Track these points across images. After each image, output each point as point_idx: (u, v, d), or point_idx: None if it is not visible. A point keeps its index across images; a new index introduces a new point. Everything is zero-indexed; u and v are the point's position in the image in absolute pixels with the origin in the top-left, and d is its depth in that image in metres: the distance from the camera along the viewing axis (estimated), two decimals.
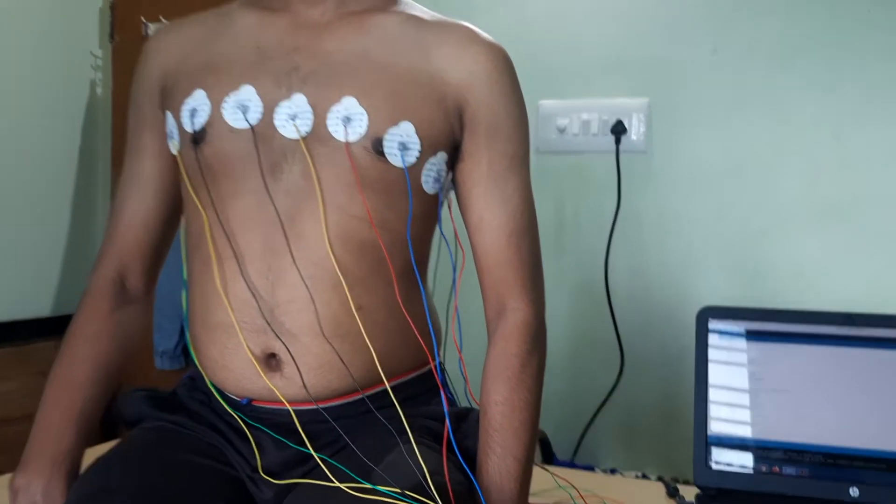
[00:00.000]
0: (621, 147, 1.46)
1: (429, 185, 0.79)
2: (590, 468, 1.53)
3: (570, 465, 1.53)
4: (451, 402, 0.85)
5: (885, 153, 1.34)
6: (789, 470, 0.92)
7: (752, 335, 0.97)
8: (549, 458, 1.57)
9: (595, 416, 1.55)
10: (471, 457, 0.76)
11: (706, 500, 0.92)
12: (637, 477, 1.51)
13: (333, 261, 0.73)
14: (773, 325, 0.97)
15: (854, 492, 0.89)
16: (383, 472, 0.67)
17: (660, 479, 1.12)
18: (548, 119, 1.52)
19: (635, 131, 1.46)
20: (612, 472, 1.53)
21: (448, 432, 0.72)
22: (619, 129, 1.45)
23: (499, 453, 0.74)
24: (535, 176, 1.56)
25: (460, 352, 0.85)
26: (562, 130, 1.52)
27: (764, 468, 0.93)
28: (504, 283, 0.80)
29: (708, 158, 1.44)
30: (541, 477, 0.95)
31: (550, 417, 1.61)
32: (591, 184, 1.52)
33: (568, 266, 1.57)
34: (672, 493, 0.97)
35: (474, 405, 0.81)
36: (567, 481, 0.94)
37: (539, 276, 0.82)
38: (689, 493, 0.96)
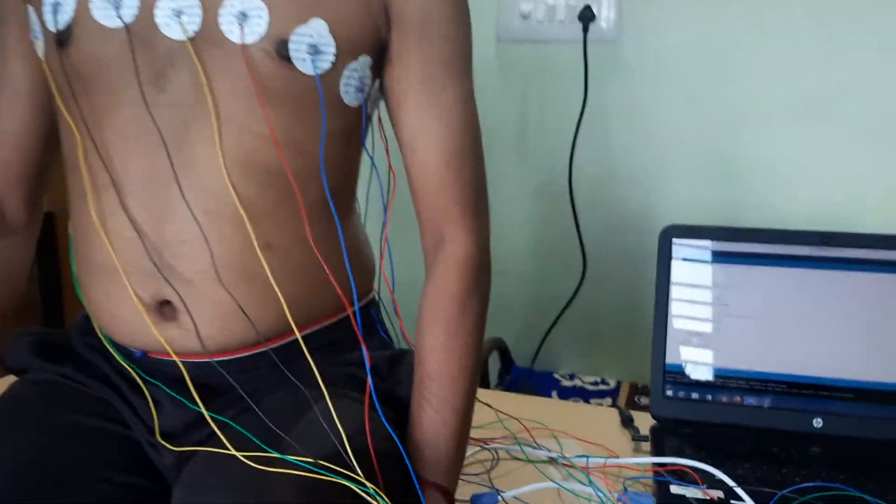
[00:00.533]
0: (589, 35, 1.32)
1: (350, 97, 0.66)
2: (549, 374, 1.50)
3: (529, 371, 1.50)
4: (386, 343, 0.76)
5: (876, 42, 1.22)
6: (751, 400, 0.86)
7: (719, 256, 0.89)
8: (508, 366, 1.54)
9: (556, 322, 1.50)
10: (405, 406, 0.68)
11: (661, 434, 0.86)
12: (595, 383, 1.49)
13: (232, 191, 0.61)
14: (742, 246, 0.88)
15: (818, 423, 0.84)
16: (297, 434, 0.58)
17: (614, 405, 1.07)
18: (510, 4, 1.36)
19: (604, 18, 1.31)
20: (571, 377, 1.50)
21: (370, 387, 0.63)
22: (587, 16, 1.30)
23: (434, 405, 0.66)
24: (497, 67, 1.42)
25: (392, 290, 0.75)
26: (525, 17, 1.36)
27: (724, 399, 0.87)
28: (442, 211, 0.69)
29: (681, 48, 1.31)
30: (485, 412, 0.89)
31: (510, 324, 1.58)
32: (557, 76, 1.39)
33: (531, 167, 1.47)
34: (626, 422, 0.91)
35: (412, 347, 0.73)
36: (511, 416, 0.88)
37: (483, 202, 0.72)
38: (644, 421, 0.91)
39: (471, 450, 0.83)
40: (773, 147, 1.30)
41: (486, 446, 0.84)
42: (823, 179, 1.28)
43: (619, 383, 1.46)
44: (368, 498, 0.55)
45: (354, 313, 0.66)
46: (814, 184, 1.28)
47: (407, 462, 0.60)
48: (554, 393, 1.45)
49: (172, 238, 0.62)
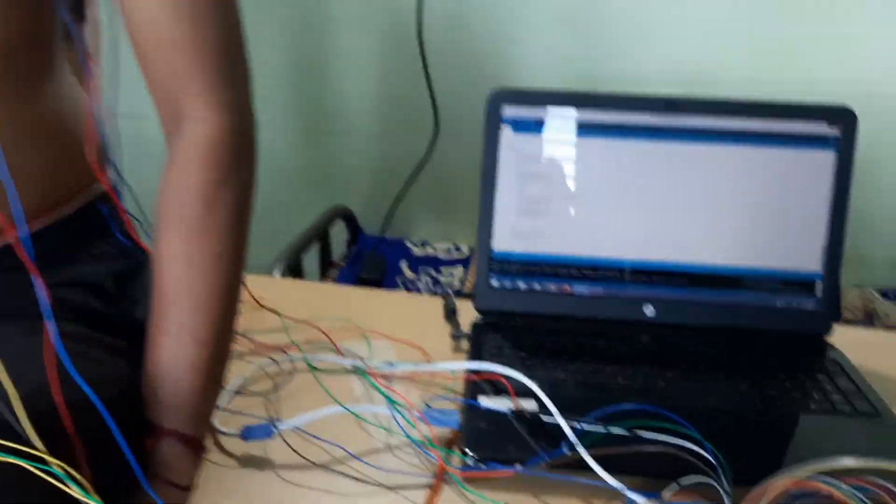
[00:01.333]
0: None
1: None
2: (399, 242, 1.41)
3: (379, 240, 1.39)
4: (125, 250, 0.60)
5: None
6: (581, 289, 0.78)
7: (554, 126, 0.76)
8: (356, 235, 1.43)
9: (407, 185, 1.37)
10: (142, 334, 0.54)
11: (483, 330, 0.77)
12: (448, 250, 1.41)
13: None
14: (580, 114, 0.76)
15: (649, 310, 0.77)
16: None
17: (442, 293, 0.97)
18: None
19: None
20: (423, 244, 1.42)
21: (51, 331, 0.46)
22: None
23: (172, 333, 0.52)
24: None
25: (109, 186, 0.58)
26: None
27: (553, 287, 0.78)
28: (176, 78, 0.52)
29: None
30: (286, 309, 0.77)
31: (356, 189, 1.45)
32: None
33: (374, 8, 1.28)
34: (449, 315, 0.81)
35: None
36: (299, 320, 0.76)
37: (238, 65, 0.54)
38: (469, 313, 0.81)
39: (258, 361, 0.72)
40: None
41: (278, 359, 0.72)
42: (688, 34, 1.17)
43: (472, 250, 1.39)
44: (52, 480, 0.41)
45: (20, 239, 0.47)
46: (679, 39, 1.17)
47: (105, 415, 0.45)
48: (403, 263, 1.36)
49: None
